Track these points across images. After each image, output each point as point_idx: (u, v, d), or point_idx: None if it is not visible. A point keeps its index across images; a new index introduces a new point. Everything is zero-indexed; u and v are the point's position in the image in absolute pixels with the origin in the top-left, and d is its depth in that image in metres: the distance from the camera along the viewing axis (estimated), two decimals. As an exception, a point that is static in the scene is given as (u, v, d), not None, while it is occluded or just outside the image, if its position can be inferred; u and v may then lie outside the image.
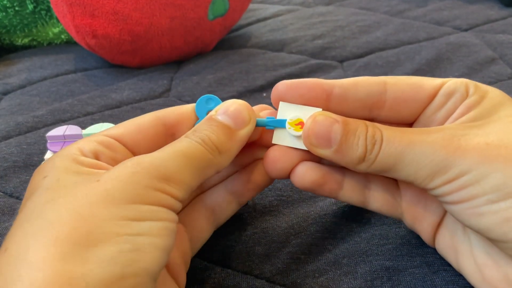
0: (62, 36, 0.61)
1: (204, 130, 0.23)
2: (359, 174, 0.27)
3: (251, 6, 0.73)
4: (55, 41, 0.62)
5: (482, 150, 0.21)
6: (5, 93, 0.50)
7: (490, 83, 0.47)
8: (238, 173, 0.28)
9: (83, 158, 0.21)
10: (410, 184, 0.26)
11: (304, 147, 0.25)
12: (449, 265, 0.27)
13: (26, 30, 0.60)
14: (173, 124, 0.25)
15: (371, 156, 0.23)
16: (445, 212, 0.26)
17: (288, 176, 0.26)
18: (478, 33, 0.60)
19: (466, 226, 0.23)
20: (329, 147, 0.24)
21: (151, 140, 0.24)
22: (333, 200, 0.32)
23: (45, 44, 0.62)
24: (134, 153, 0.24)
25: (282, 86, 0.26)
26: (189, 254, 0.26)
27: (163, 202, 0.20)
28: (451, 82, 0.25)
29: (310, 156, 0.26)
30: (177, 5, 0.50)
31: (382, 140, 0.23)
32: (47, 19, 0.59)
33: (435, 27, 0.62)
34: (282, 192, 0.33)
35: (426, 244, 0.28)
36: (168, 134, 0.25)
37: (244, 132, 0.24)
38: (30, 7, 0.57)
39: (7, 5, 0.57)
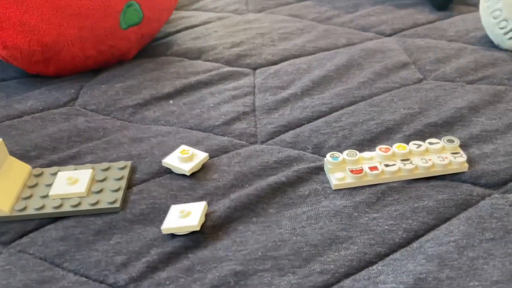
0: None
1: None
2: None
3: (184, 13, 0.73)
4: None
5: None
6: None
7: (393, 88, 0.48)
8: None
9: None
10: None
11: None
12: (299, 267, 0.27)
13: None
14: None
15: None
16: None
17: None
18: (401, 37, 0.61)
19: None
20: None
21: None
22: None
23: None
24: None
25: None
26: None
27: None
28: None
29: None
30: (86, 15, 0.50)
31: None
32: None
33: (358, 32, 0.63)
34: (155, 200, 0.33)
35: (280, 249, 0.29)
36: None
37: None
38: None
39: None
